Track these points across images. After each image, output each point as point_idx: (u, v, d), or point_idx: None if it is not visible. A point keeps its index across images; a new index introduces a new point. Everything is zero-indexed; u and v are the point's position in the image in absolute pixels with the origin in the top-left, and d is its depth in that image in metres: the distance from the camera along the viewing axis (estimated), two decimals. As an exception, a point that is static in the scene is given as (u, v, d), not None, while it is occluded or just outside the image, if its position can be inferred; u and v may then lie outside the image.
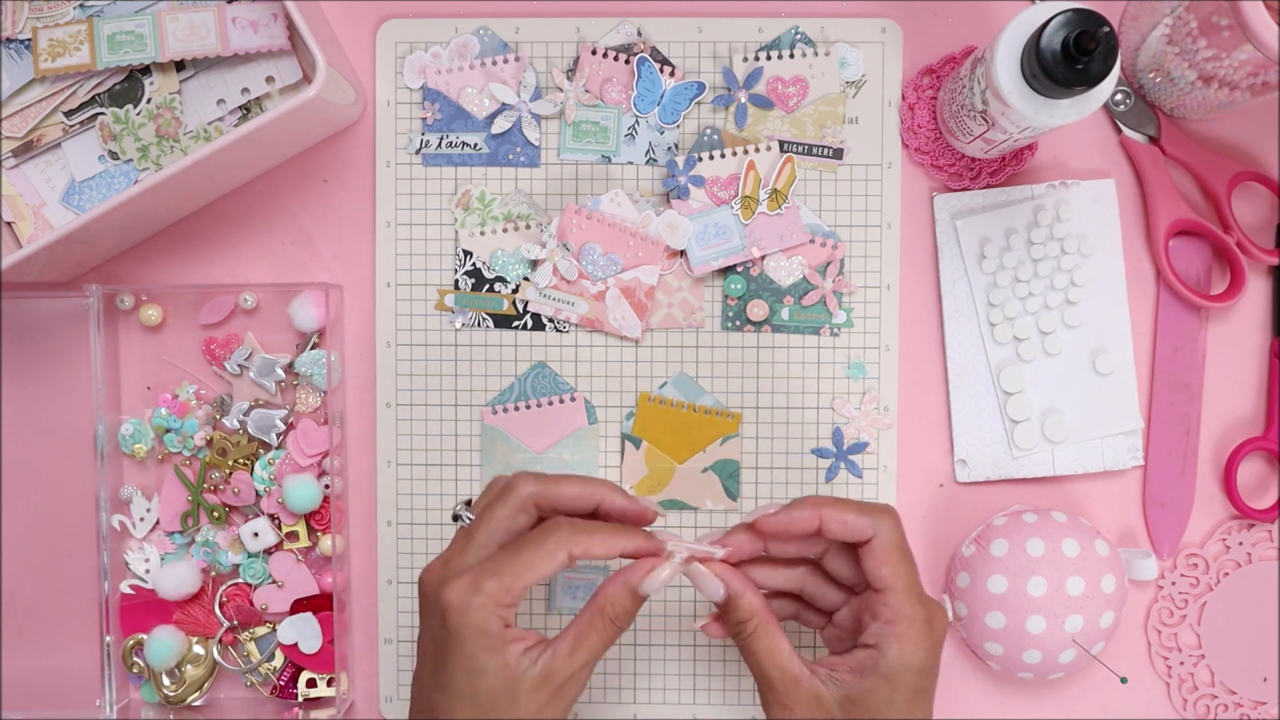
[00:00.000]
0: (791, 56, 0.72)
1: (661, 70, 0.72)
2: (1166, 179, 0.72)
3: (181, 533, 0.74)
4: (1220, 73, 0.64)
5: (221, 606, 0.74)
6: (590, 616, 0.56)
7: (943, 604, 0.71)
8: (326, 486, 0.72)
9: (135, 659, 0.74)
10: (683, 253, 0.72)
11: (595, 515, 0.59)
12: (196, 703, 0.74)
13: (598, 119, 0.72)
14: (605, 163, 0.73)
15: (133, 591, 0.74)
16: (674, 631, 0.74)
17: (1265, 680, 0.73)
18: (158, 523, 0.74)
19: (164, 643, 0.72)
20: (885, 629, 0.56)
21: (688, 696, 0.74)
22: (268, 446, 0.73)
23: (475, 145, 0.73)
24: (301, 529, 0.73)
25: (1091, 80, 0.58)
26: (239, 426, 0.73)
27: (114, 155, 0.70)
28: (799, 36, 0.72)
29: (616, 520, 0.59)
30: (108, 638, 0.72)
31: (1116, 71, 0.58)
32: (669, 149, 0.72)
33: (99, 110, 0.70)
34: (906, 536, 0.58)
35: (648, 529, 0.59)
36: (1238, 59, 0.62)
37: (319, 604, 0.73)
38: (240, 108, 0.71)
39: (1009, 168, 0.72)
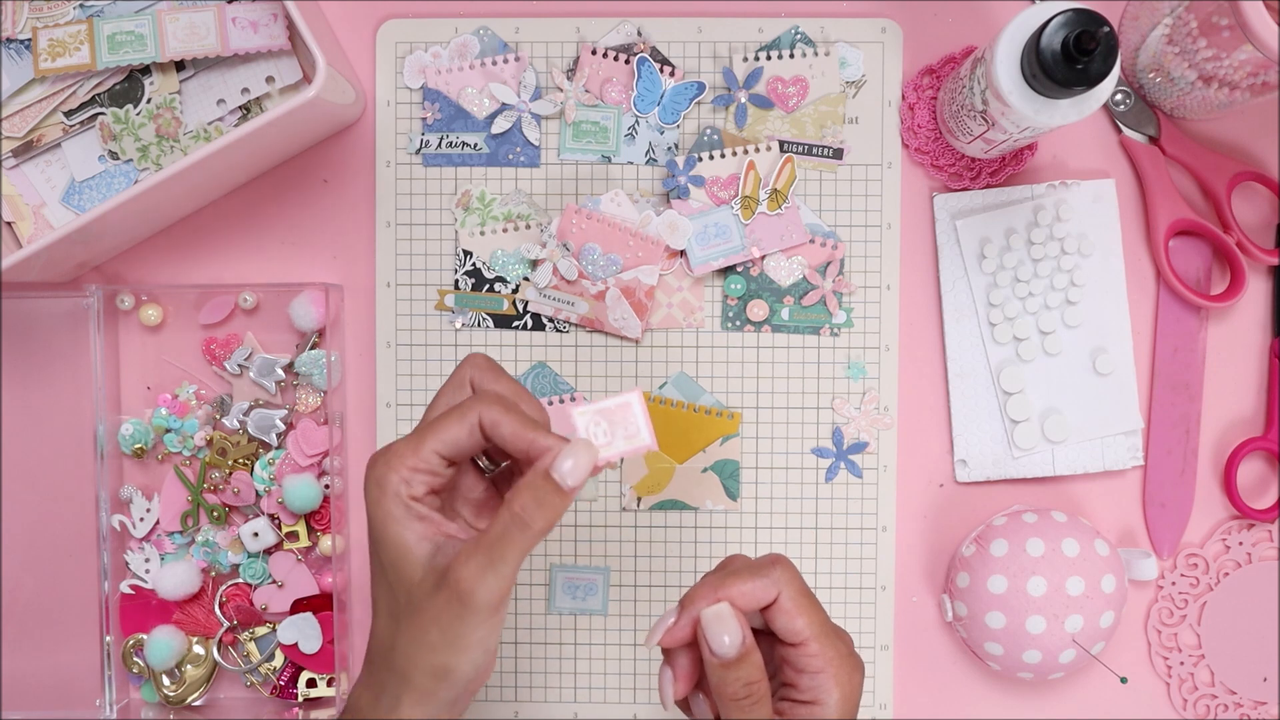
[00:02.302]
0: (791, 56, 0.72)
1: (661, 70, 0.72)
2: (1166, 179, 0.72)
3: (181, 533, 0.74)
4: (1220, 73, 0.64)
5: (221, 606, 0.74)
6: (499, 513, 0.50)
7: (942, 604, 0.71)
8: (326, 486, 0.72)
9: (135, 659, 0.74)
10: (683, 253, 0.72)
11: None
12: (196, 703, 0.74)
13: (598, 119, 0.72)
14: (605, 163, 0.73)
15: (133, 591, 0.74)
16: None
17: (1265, 680, 0.73)
18: (158, 523, 0.74)
19: (164, 643, 0.72)
20: (819, 679, 0.53)
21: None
22: (268, 446, 0.73)
23: (475, 145, 0.73)
24: (301, 529, 0.73)
25: (1091, 80, 0.58)
26: (239, 426, 0.73)
27: (114, 155, 0.70)
28: (799, 36, 0.72)
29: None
30: (108, 638, 0.72)
31: (1116, 71, 0.58)
32: (669, 149, 0.72)
33: (99, 110, 0.70)
34: (800, 576, 0.54)
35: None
36: (1238, 59, 0.62)
37: (319, 604, 0.73)
38: (240, 108, 0.71)
39: (1009, 168, 0.71)
